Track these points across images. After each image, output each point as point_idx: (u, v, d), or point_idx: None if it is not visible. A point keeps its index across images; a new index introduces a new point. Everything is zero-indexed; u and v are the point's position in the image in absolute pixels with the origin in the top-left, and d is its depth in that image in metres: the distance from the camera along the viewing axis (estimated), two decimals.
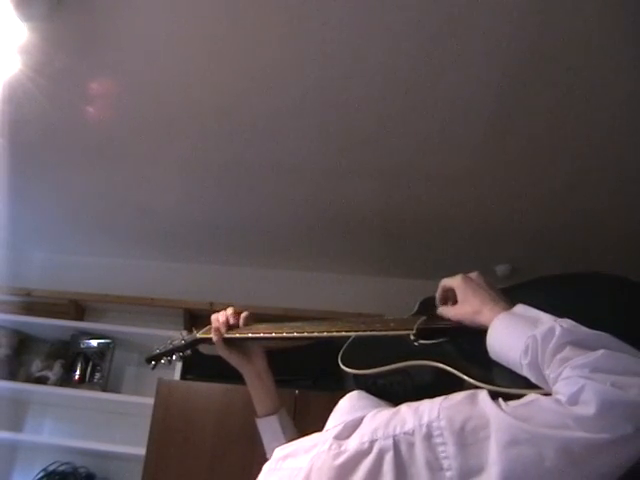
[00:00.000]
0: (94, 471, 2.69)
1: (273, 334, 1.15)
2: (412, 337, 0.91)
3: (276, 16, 1.59)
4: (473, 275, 0.90)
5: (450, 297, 0.92)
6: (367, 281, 3.04)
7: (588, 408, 0.63)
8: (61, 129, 2.14)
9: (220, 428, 2.30)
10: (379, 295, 2.90)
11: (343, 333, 1.02)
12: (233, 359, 1.22)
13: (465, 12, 1.52)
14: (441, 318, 0.93)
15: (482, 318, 0.82)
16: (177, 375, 2.60)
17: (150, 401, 2.42)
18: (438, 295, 0.95)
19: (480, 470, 0.64)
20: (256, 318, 1.24)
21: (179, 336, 1.37)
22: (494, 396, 0.69)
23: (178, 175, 2.38)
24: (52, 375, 2.82)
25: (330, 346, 2.14)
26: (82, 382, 2.78)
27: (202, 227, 2.78)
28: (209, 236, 2.86)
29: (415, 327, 0.92)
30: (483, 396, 0.69)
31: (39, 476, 2.64)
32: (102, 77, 1.87)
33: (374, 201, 2.43)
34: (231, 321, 1.22)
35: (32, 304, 2.92)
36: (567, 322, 0.72)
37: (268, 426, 1.18)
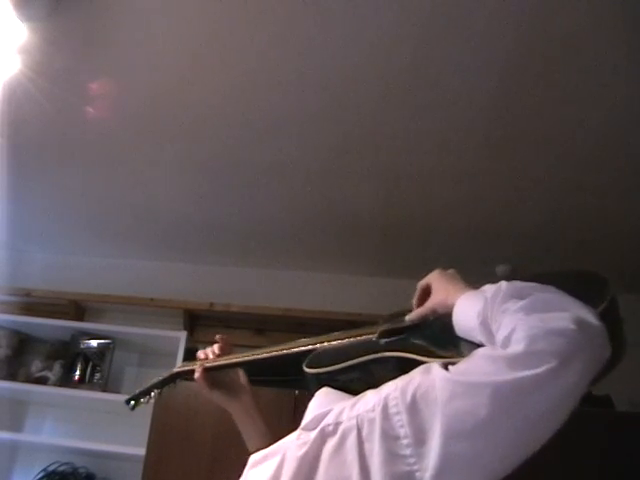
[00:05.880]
0: (94, 471, 2.69)
1: (247, 358, 1.17)
2: (375, 339, 0.94)
3: (275, 16, 1.59)
4: (450, 270, 0.93)
5: (427, 297, 0.94)
6: (367, 281, 3.03)
7: (518, 346, 0.64)
8: (61, 129, 2.14)
9: (220, 428, 2.29)
10: (379, 295, 2.89)
11: (309, 347, 1.05)
12: (217, 397, 1.19)
13: (465, 13, 1.52)
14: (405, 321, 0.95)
15: (452, 299, 0.84)
16: None
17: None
18: (416, 296, 0.96)
19: (429, 433, 0.64)
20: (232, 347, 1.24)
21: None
22: (447, 366, 0.70)
23: (178, 175, 2.38)
24: (52, 375, 2.82)
25: None
26: (82, 382, 2.78)
27: (202, 227, 2.78)
28: (209, 236, 2.86)
29: (378, 330, 0.94)
30: (436, 366, 0.70)
31: (39, 476, 2.63)
32: (101, 77, 1.87)
33: (374, 201, 2.43)
34: (216, 352, 1.21)
35: (32, 304, 2.92)
36: (514, 281, 0.75)
37: None
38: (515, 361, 0.63)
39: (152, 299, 2.86)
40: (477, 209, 2.40)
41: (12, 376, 2.82)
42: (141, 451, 2.33)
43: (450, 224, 2.53)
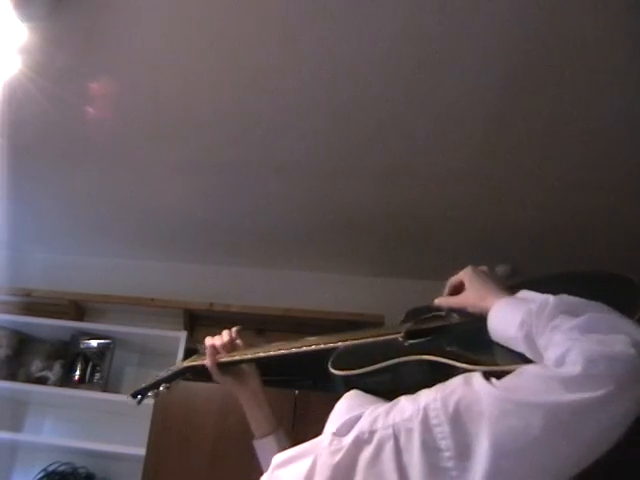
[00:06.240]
0: (94, 471, 2.69)
1: (261, 354, 1.15)
2: (400, 339, 0.92)
3: (276, 17, 1.59)
4: (482, 267, 0.91)
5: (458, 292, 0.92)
6: (367, 281, 3.03)
7: (574, 368, 0.63)
8: (61, 129, 2.14)
9: (220, 428, 2.29)
10: (379, 295, 2.90)
11: (330, 345, 1.02)
12: (227, 382, 1.20)
13: (465, 12, 1.52)
14: (429, 320, 0.93)
15: (485, 303, 0.82)
16: None
17: (150, 401, 2.42)
18: (446, 293, 0.95)
19: (474, 447, 0.64)
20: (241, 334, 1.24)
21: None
22: (488, 377, 0.69)
23: (178, 175, 2.38)
24: (52, 375, 2.82)
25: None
26: (82, 382, 2.78)
27: (202, 227, 2.78)
28: (209, 236, 2.86)
29: (403, 330, 0.93)
30: (477, 377, 0.69)
31: (39, 476, 2.63)
32: (102, 77, 1.87)
33: (374, 201, 2.43)
34: (228, 346, 1.21)
35: (32, 304, 2.92)
36: (561, 295, 0.73)
37: (266, 447, 1.15)
38: (571, 383, 0.62)
39: (152, 299, 2.86)
40: (477, 209, 2.40)
41: (12, 376, 2.82)
42: (141, 451, 2.33)
43: (450, 224, 2.53)
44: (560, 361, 0.65)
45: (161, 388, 1.29)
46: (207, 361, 1.20)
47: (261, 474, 1.05)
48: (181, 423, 2.35)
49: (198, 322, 2.94)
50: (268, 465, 1.13)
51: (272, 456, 1.12)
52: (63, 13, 1.59)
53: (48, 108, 1.94)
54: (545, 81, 1.72)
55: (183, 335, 2.75)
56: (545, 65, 1.66)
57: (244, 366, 1.21)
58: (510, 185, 2.23)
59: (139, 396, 1.32)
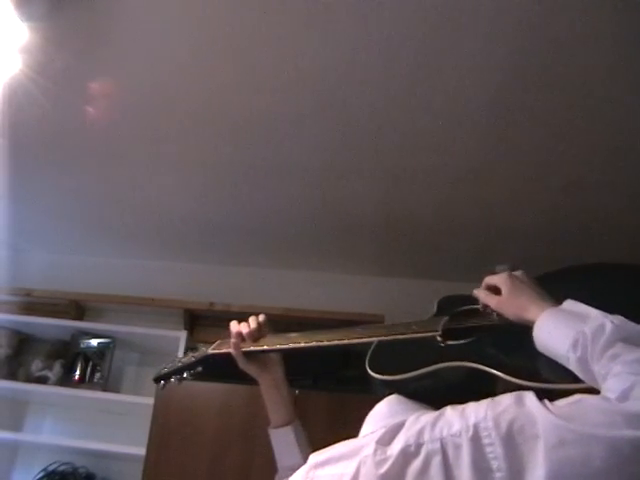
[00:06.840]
0: (94, 471, 2.69)
1: (291, 345, 1.13)
2: (438, 338, 0.90)
3: (276, 17, 1.59)
4: (518, 273, 0.90)
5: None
6: (367, 281, 3.03)
7: (639, 404, 0.62)
8: (61, 129, 2.14)
9: (220, 428, 2.29)
10: (379, 295, 2.90)
11: (365, 339, 1.00)
12: (251, 369, 1.21)
13: (465, 12, 1.52)
14: (466, 317, 0.92)
15: (529, 314, 0.81)
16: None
17: (150, 401, 2.43)
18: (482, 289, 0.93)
19: (528, 471, 0.63)
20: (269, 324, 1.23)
21: (188, 354, 1.34)
22: (540, 395, 0.68)
23: (178, 175, 2.38)
24: (52, 375, 2.82)
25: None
26: (82, 382, 2.78)
27: (202, 227, 2.78)
28: (209, 236, 2.86)
29: (440, 328, 0.90)
30: (530, 397, 0.68)
31: (39, 476, 2.64)
32: (102, 77, 1.87)
33: (374, 201, 2.43)
34: (255, 334, 1.20)
35: (32, 304, 2.92)
36: (618, 318, 0.72)
37: (282, 437, 1.15)
38: (636, 420, 0.62)
39: (152, 299, 2.86)
40: (477, 209, 2.40)
41: (12, 376, 2.82)
42: (141, 451, 2.33)
43: (450, 224, 2.53)
44: (624, 396, 0.64)
45: (184, 375, 1.28)
46: (232, 349, 1.19)
47: (265, 464, 1.05)
48: (181, 423, 2.35)
49: (198, 322, 2.93)
50: (284, 454, 1.15)
51: (288, 445, 1.13)
52: (63, 12, 1.59)
53: (48, 108, 1.94)
54: (547, 81, 1.72)
55: (183, 335, 2.75)
56: (548, 65, 1.66)
57: (270, 354, 1.21)
58: (511, 185, 2.23)
59: (162, 381, 1.30)
